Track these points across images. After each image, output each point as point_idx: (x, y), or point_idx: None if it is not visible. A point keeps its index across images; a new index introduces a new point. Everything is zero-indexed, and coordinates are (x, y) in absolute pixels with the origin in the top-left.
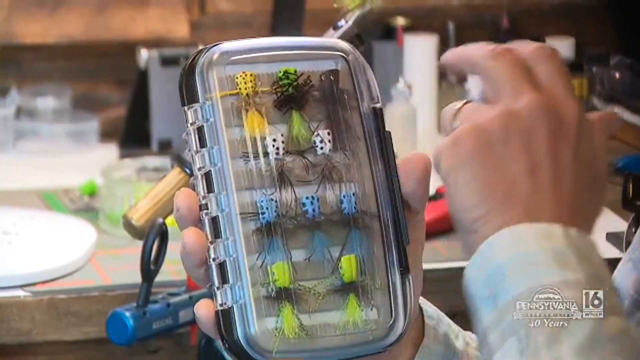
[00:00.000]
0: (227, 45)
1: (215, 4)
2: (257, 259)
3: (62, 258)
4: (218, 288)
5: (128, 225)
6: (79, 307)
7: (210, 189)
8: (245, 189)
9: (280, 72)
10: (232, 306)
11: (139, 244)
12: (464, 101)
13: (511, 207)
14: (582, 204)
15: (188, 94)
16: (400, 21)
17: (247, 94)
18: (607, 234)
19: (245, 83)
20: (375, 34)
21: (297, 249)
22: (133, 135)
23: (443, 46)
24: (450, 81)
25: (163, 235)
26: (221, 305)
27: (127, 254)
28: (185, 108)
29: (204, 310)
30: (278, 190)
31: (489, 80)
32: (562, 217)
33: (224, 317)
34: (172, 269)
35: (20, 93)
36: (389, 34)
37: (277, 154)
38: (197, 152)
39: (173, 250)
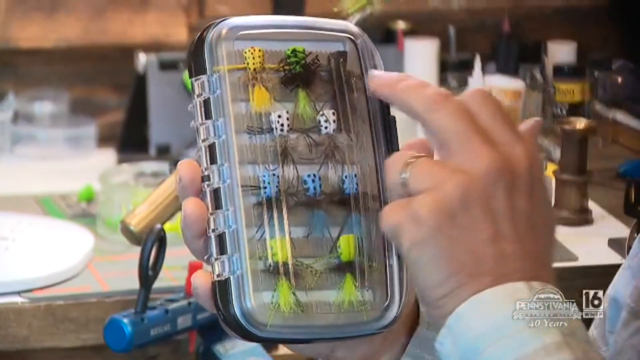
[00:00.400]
0: (237, 20)
1: (213, 8)
2: (256, 232)
3: (60, 264)
4: (216, 259)
5: (126, 231)
6: (77, 313)
7: (213, 160)
8: (248, 163)
9: (288, 50)
10: (229, 277)
11: (137, 249)
12: (413, 155)
13: (479, 279)
14: (543, 251)
15: (196, 66)
16: (400, 25)
17: (254, 69)
18: (609, 240)
19: (253, 58)
20: (375, 38)
21: (297, 225)
22: (131, 140)
23: (444, 51)
24: (450, 85)
25: (161, 240)
26: (218, 276)
27: (125, 259)
28: (193, 80)
29: (200, 280)
30: (280, 166)
31: (435, 133)
32: (527, 273)
33: (221, 288)
34: (170, 275)
35: (18, 97)
36: (390, 38)
37: (282, 130)
38: (202, 124)
39: (171, 256)
